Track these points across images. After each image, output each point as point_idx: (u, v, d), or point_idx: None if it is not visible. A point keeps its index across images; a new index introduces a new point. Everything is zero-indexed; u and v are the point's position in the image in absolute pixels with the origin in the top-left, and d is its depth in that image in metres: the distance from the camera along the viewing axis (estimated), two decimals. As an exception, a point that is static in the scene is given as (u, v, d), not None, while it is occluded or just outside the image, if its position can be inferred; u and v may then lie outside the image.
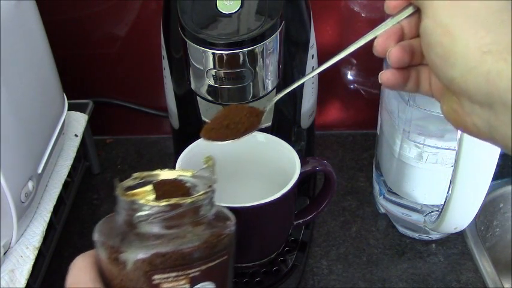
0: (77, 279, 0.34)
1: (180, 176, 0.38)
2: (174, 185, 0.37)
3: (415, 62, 0.37)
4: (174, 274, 0.32)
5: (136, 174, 0.37)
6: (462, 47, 0.30)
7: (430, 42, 0.32)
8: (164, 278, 0.32)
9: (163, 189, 0.36)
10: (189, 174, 0.38)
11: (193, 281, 0.33)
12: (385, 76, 0.38)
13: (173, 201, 0.33)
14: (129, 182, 0.36)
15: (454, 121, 0.34)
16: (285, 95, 0.58)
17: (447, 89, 0.34)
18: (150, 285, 0.32)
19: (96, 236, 0.34)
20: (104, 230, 0.34)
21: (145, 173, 0.37)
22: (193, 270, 0.33)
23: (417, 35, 0.37)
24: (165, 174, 0.38)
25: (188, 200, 0.33)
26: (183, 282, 0.33)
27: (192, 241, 0.32)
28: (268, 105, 0.44)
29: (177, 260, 0.32)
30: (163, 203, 0.32)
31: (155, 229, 0.33)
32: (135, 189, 0.36)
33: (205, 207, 0.34)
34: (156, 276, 0.32)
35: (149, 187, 0.36)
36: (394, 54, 0.36)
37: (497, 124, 0.30)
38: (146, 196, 0.35)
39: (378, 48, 0.37)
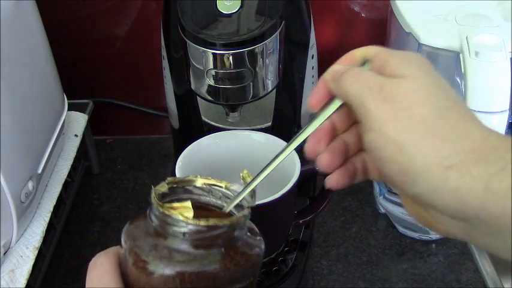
0: (100, 281, 0.32)
1: (214, 185, 0.37)
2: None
3: (352, 154, 0.34)
4: None
5: (170, 179, 0.36)
6: (421, 164, 0.27)
7: (381, 158, 0.29)
8: None
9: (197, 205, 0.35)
10: (224, 183, 0.37)
11: None
12: (333, 181, 0.34)
13: (212, 222, 0.32)
14: (163, 187, 0.36)
15: (424, 224, 0.32)
16: (285, 95, 0.59)
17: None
18: None
19: (124, 239, 0.33)
20: (132, 234, 0.33)
21: (179, 178, 0.37)
22: None
23: (350, 126, 0.34)
24: (199, 182, 0.37)
25: (227, 222, 0.32)
26: None
27: (223, 262, 0.32)
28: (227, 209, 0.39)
29: (208, 281, 0.31)
30: (202, 222, 0.31)
31: (187, 246, 0.32)
32: (169, 197, 0.36)
33: (241, 229, 0.34)
34: None
35: (188, 203, 0.34)
36: (324, 161, 0.33)
37: (476, 234, 0.28)
38: (184, 212, 0.33)
39: (309, 153, 0.34)
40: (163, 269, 0.31)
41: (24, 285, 0.51)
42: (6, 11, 0.50)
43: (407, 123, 0.28)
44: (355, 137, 0.34)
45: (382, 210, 0.68)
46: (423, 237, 0.65)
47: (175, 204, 0.34)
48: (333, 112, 0.32)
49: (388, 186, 0.64)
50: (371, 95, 0.29)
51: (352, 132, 0.34)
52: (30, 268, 0.52)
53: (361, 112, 0.29)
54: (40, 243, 0.55)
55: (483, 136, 0.27)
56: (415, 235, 0.66)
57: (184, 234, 0.32)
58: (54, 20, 0.69)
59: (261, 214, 0.51)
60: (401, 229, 0.67)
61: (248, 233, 0.35)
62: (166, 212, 0.32)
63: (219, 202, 0.37)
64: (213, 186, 0.37)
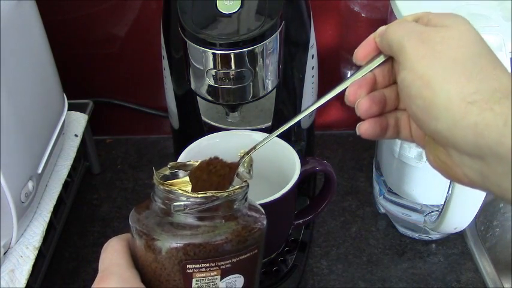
0: (112, 262, 0.34)
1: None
2: (208, 178, 0.37)
3: (388, 109, 0.36)
4: (206, 265, 0.33)
5: (171, 164, 0.38)
6: (444, 99, 0.29)
7: (410, 95, 0.31)
8: (197, 268, 0.33)
9: (198, 182, 0.37)
10: None
11: (224, 272, 0.34)
12: (363, 128, 0.36)
13: (210, 193, 0.34)
14: (165, 171, 0.37)
15: (443, 172, 0.33)
16: (285, 95, 0.59)
17: (432, 140, 0.33)
18: (183, 273, 0.33)
19: (131, 222, 0.35)
20: (138, 216, 0.35)
21: (180, 163, 0.38)
22: (224, 262, 0.33)
23: (390, 84, 0.36)
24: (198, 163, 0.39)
25: (224, 194, 0.34)
26: (214, 273, 0.33)
27: (224, 234, 0.33)
28: (242, 160, 0.41)
29: (210, 252, 0.33)
30: (200, 194, 0.33)
31: (190, 219, 0.34)
32: (170, 179, 0.37)
33: (239, 201, 0.35)
34: (189, 266, 0.33)
35: (186, 178, 0.37)
36: (363, 105, 0.35)
37: (490, 174, 0.29)
38: (183, 187, 0.36)
39: (349, 98, 0.36)
40: (170, 243, 0.32)
41: (24, 285, 0.51)
42: (6, 11, 0.50)
43: (437, 62, 0.30)
44: (393, 94, 0.36)
45: (382, 210, 0.68)
46: (423, 237, 0.65)
47: (175, 181, 0.36)
48: (377, 66, 0.35)
49: (388, 186, 0.64)
50: (410, 38, 0.31)
51: (391, 89, 0.36)
52: (30, 268, 0.53)
53: (399, 53, 0.32)
54: (40, 243, 0.55)
55: (509, 81, 0.29)
56: (415, 235, 0.66)
57: (185, 207, 0.33)
58: (54, 20, 0.69)
59: (261, 214, 0.51)
60: (401, 229, 0.67)
61: (249, 209, 0.36)
62: (167, 188, 0.34)
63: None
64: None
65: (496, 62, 0.30)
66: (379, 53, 0.35)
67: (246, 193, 0.36)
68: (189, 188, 0.36)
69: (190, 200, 0.33)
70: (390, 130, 0.37)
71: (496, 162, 0.28)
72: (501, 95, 0.28)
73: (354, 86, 0.36)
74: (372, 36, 0.35)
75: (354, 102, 0.36)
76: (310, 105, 0.39)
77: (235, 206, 0.35)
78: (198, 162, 0.38)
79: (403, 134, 0.37)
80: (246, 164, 0.39)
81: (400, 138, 0.37)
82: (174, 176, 0.38)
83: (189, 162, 0.38)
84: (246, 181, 0.37)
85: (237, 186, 0.35)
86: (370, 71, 0.35)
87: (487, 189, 0.30)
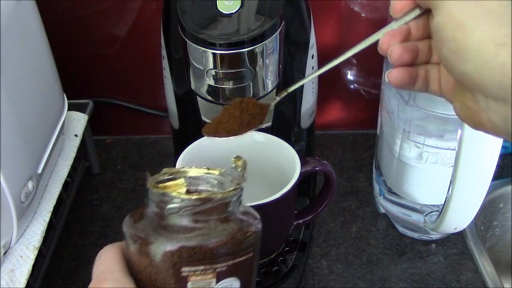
0: (106, 268, 0.34)
1: (208, 173, 0.38)
2: (240, 116, 0.38)
3: (420, 61, 0.37)
4: (201, 268, 0.33)
5: (165, 170, 0.37)
6: (476, 40, 0.30)
7: (442, 38, 0.32)
8: (192, 271, 0.33)
9: (230, 119, 0.37)
10: (216, 172, 0.38)
11: (220, 276, 0.33)
12: (392, 75, 0.37)
13: (204, 195, 0.33)
14: (159, 176, 0.37)
15: (468, 119, 0.34)
16: (285, 95, 0.59)
17: (460, 87, 0.34)
18: (178, 277, 0.33)
19: (125, 228, 0.35)
20: (132, 222, 0.35)
21: (175, 169, 0.38)
22: (219, 265, 0.33)
23: (424, 38, 0.37)
24: (192, 171, 0.38)
25: (218, 195, 0.34)
26: (210, 276, 0.33)
27: (219, 236, 0.33)
28: (273, 102, 0.44)
29: (205, 254, 0.33)
30: (194, 196, 0.33)
31: (184, 222, 0.33)
32: (165, 183, 0.37)
33: (234, 203, 0.35)
34: (184, 269, 0.32)
35: (180, 181, 0.36)
36: (395, 52, 0.36)
37: None
38: (177, 189, 0.36)
39: (382, 47, 0.37)
40: (165, 246, 0.32)
41: (24, 285, 0.51)
42: (6, 11, 0.50)
43: (472, 6, 0.31)
44: (426, 47, 0.37)
45: (382, 210, 0.68)
46: (423, 237, 0.65)
47: (169, 183, 0.36)
48: (412, 18, 0.36)
49: (388, 186, 0.64)
50: None
51: (424, 42, 0.37)
52: (30, 268, 0.52)
53: (434, 2, 0.33)
54: (40, 243, 0.55)
55: None
56: (415, 235, 0.66)
57: (179, 209, 0.33)
58: (54, 20, 0.69)
59: (261, 214, 0.51)
60: (401, 229, 0.67)
61: (244, 213, 0.36)
62: (161, 191, 0.34)
63: (215, 189, 0.38)
64: (207, 175, 0.38)
65: None
66: (415, 6, 0.36)
67: (241, 196, 0.36)
68: (183, 190, 0.36)
69: (184, 201, 0.33)
70: (419, 82, 0.38)
71: None
72: None
73: (387, 36, 0.37)
74: None
75: (387, 51, 0.37)
76: (344, 53, 0.41)
77: (229, 209, 0.34)
78: (192, 168, 0.38)
79: (432, 87, 0.38)
80: (239, 167, 0.38)
81: (429, 92, 0.38)
82: (168, 180, 0.38)
83: (182, 169, 0.38)
84: (240, 183, 0.36)
85: (231, 188, 0.35)
86: (406, 23, 0.36)
87: (510, 135, 0.31)
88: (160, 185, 0.35)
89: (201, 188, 0.38)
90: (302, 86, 0.59)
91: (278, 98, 0.42)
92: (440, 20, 0.33)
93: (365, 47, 0.38)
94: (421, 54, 0.37)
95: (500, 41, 0.30)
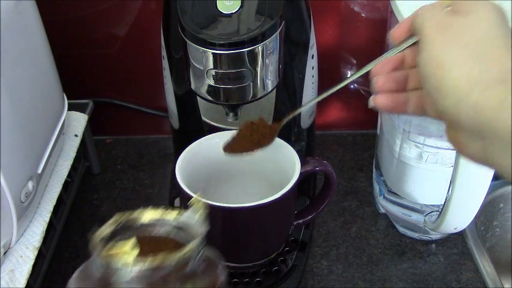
0: None
1: (164, 216, 0.35)
2: (251, 135, 0.37)
3: (412, 87, 0.39)
4: None
5: (116, 217, 0.34)
6: (453, 79, 0.32)
7: (424, 74, 0.34)
8: None
9: (242, 138, 0.36)
10: (173, 215, 0.35)
11: None
12: (377, 100, 0.40)
13: (157, 261, 0.29)
14: (108, 228, 0.33)
15: (457, 148, 0.36)
16: (285, 95, 0.59)
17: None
18: None
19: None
20: (79, 283, 0.32)
21: (126, 215, 0.34)
22: None
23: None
24: (148, 215, 0.35)
25: (174, 260, 0.30)
26: None
27: None
28: (281, 123, 0.48)
29: None
30: (146, 263, 0.29)
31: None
32: (115, 237, 0.33)
33: (194, 260, 0.31)
34: None
35: (131, 242, 0.32)
36: (378, 82, 0.39)
37: (491, 153, 0.31)
38: (126, 255, 0.31)
39: (373, 71, 0.40)
40: None
41: (24, 285, 0.51)
42: (6, 11, 0.50)
43: (451, 46, 0.33)
44: (414, 74, 0.39)
45: (382, 210, 0.68)
46: (423, 237, 0.65)
47: (118, 247, 0.31)
48: (407, 46, 0.38)
49: (388, 186, 0.64)
50: (431, 24, 0.34)
51: (415, 69, 0.38)
52: (30, 268, 0.52)
53: (421, 36, 0.35)
54: (40, 243, 0.55)
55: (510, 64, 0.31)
56: (415, 235, 0.66)
57: (129, 280, 0.29)
58: (54, 20, 0.69)
59: (261, 214, 0.51)
60: (401, 229, 0.67)
61: (207, 264, 0.33)
62: (107, 259, 0.30)
63: (172, 233, 0.35)
64: (163, 219, 0.35)
65: (506, 46, 0.32)
66: (412, 34, 0.37)
67: (202, 247, 0.32)
68: (134, 254, 0.31)
69: (134, 271, 0.29)
70: (412, 107, 0.39)
71: (495, 140, 0.30)
72: (501, 79, 0.30)
73: (380, 64, 0.40)
74: (406, 19, 0.38)
75: (376, 75, 0.40)
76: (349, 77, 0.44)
77: (189, 267, 0.31)
78: (148, 211, 0.35)
79: (428, 111, 0.39)
80: (198, 210, 0.35)
81: (426, 116, 0.39)
82: (120, 231, 0.33)
83: (132, 216, 0.34)
84: (200, 234, 0.32)
85: (189, 248, 0.31)
86: (401, 51, 0.38)
87: (491, 166, 0.33)
88: (107, 250, 0.31)
89: (154, 233, 0.34)
90: (302, 86, 0.59)
91: (285, 120, 0.47)
92: (423, 57, 0.34)
93: (362, 74, 0.40)
94: (413, 80, 0.39)
95: (474, 80, 0.31)
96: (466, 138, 0.33)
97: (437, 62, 0.33)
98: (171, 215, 0.35)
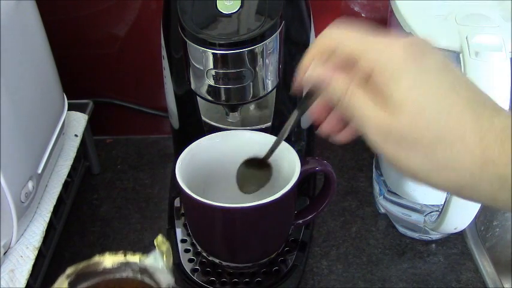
0: None
1: (127, 261, 0.33)
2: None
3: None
4: None
5: (71, 269, 0.32)
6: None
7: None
8: None
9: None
10: (136, 259, 0.34)
11: None
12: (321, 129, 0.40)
13: None
14: (63, 284, 0.31)
15: (395, 161, 0.34)
16: (285, 95, 0.59)
17: None
18: None
19: None
20: None
21: (82, 265, 0.32)
22: None
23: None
24: (107, 261, 0.33)
25: None
26: None
27: None
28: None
29: None
30: None
31: None
32: (79, 285, 0.31)
33: None
34: None
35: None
36: (325, 128, 0.40)
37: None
38: None
39: (315, 124, 0.40)
40: None
41: (24, 285, 0.51)
42: (6, 11, 0.50)
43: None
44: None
45: (382, 210, 0.68)
46: (423, 237, 0.65)
47: None
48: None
49: (388, 186, 0.64)
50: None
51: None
52: (30, 268, 0.52)
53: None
54: (40, 243, 0.55)
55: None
56: (415, 235, 0.66)
57: None
58: (54, 20, 0.69)
59: (261, 214, 0.51)
60: (401, 229, 0.67)
61: None
62: None
63: (138, 276, 0.33)
64: (126, 263, 0.34)
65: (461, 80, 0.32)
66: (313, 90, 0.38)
67: None
68: None
69: None
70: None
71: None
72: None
73: (313, 116, 0.40)
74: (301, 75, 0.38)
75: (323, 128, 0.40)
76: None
77: None
78: (106, 257, 0.33)
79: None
80: (164, 252, 0.33)
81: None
82: (82, 281, 0.32)
83: (93, 262, 0.33)
84: (168, 283, 0.31)
85: None
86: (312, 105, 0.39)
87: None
88: None
89: (118, 275, 0.33)
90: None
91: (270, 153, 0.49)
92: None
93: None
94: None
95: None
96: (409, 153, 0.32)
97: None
98: (135, 257, 0.34)
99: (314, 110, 0.39)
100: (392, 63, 0.31)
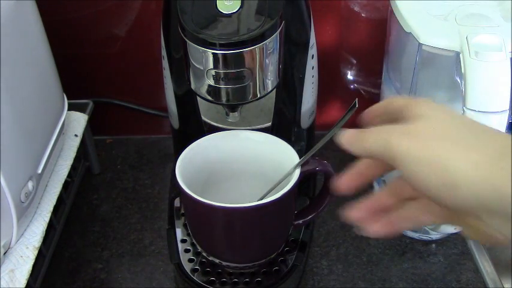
0: None
1: None
2: None
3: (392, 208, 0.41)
4: None
5: None
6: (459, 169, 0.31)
7: (425, 181, 0.34)
8: None
9: None
10: None
11: None
12: (342, 182, 0.43)
13: None
14: None
15: (487, 242, 0.35)
16: (285, 95, 0.59)
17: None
18: None
19: None
20: None
21: None
22: None
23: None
24: None
25: None
26: None
27: None
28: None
29: None
30: None
31: None
32: None
33: None
34: None
35: None
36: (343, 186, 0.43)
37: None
38: None
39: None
40: None
41: (24, 285, 0.51)
42: (6, 11, 0.50)
43: (425, 150, 0.33)
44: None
45: (382, 210, 0.68)
46: (423, 237, 0.65)
47: None
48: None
49: (388, 186, 0.64)
50: (395, 139, 0.35)
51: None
52: (30, 268, 0.53)
53: (390, 158, 0.36)
54: (40, 243, 0.55)
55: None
56: (415, 235, 0.66)
57: None
58: (54, 20, 0.69)
59: (261, 214, 0.51)
60: (401, 229, 0.67)
61: None
62: None
63: None
64: None
65: (477, 124, 0.33)
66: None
67: None
68: None
69: None
70: (406, 222, 0.40)
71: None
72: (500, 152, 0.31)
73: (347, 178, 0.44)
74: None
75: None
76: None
77: None
78: None
79: (432, 218, 0.39)
80: None
81: (427, 223, 0.40)
82: None
83: None
84: None
85: None
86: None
87: None
88: None
89: None
90: (302, 86, 0.59)
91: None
92: (407, 176, 0.35)
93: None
94: (394, 199, 0.41)
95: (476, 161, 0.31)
96: (490, 223, 0.31)
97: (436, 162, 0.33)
98: None
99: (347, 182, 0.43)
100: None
